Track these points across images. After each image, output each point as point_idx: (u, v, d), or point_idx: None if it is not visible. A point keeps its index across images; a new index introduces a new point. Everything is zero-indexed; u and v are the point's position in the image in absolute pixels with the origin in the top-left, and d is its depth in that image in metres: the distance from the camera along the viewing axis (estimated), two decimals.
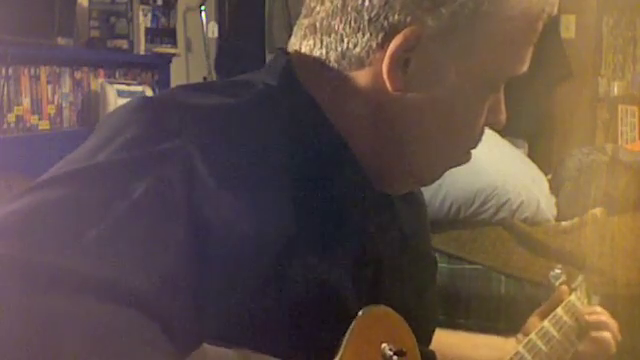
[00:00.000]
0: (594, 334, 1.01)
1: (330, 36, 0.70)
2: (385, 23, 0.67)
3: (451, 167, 0.78)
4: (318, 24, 0.71)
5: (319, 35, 0.71)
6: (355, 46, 0.69)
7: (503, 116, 0.77)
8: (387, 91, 0.69)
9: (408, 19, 0.67)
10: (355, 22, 0.68)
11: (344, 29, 0.69)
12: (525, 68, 0.74)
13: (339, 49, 0.70)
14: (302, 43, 0.73)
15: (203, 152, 0.60)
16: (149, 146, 0.59)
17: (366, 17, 0.68)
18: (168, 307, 0.52)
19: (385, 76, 0.68)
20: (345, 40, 0.69)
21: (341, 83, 0.71)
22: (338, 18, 0.69)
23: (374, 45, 0.68)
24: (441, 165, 0.77)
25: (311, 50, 0.72)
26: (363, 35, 0.68)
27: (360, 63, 0.69)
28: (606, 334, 1.01)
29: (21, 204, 0.54)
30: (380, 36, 0.68)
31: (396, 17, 0.67)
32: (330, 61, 0.71)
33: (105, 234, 0.52)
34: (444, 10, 0.67)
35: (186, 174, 0.58)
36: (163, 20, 4.10)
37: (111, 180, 0.56)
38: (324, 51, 0.71)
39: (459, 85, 0.70)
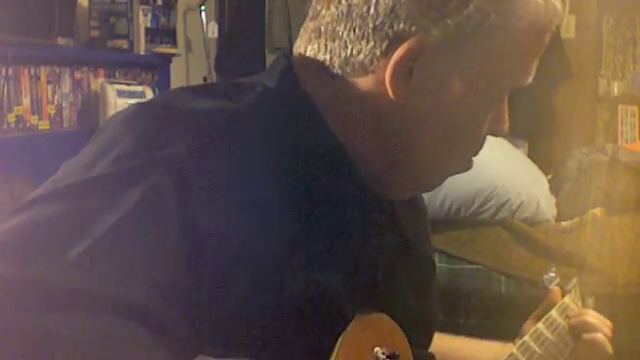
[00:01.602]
0: (585, 337, 1.01)
1: (334, 42, 0.70)
2: (390, 32, 0.67)
3: (452, 174, 0.78)
4: (323, 28, 0.71)
5: (323, 40, 0.71)
6: (359, 53, 0.69)
7: (506, 125, 0.77)
8: (389, 99, 0.69)
9: (413, 29, 0.66)
10: (360, 29, 0.68)
11: (348, 35, 0.69)
12: (530, 80, 0.73)
13: (343, 55, 0.70)
14: (307, 47, 0.73)
15: (196, 160, 0.60)
16: (142, 157, 0.59)
17: (371, 25, 0.67)
18: (164, 316, 0.52)
19: (388, 84, 0.68)
20: (349, 46, 0.69)
21: (343, 89, 0.71)
22: (343, 24, 0.69)
23: (378, 53, 0.68)
24: (442, 172, 0.77)
25: (315, 54, 0.72)
26: (367, 42, 0.68)
27: (363, 70, 0.69)
28: (598, 336, 1.00)
29: (16, 222, 0.54)
30: (384, 44, 0.67)
31: (401, 26, 0.67)
32: (334, 66, 0.70)
33: (96, 247, 0.52)
34: (450, 21, 0.66)
35: (178, 183, 0.58)
36: (163, 20, 4.10)
37: (104, 194, 0.57)
38: (328, 56, 0.71)
39: (463, 95, 0.70)
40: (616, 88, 4.26)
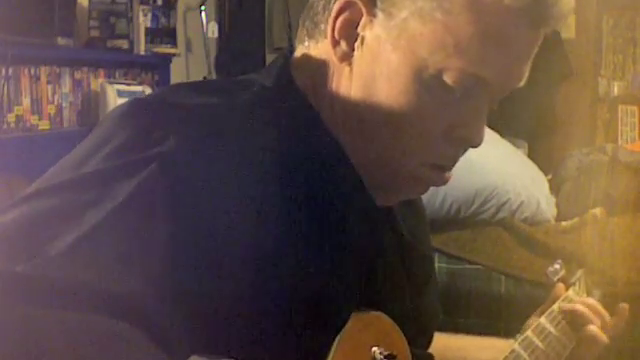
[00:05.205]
0: (581, 330, 0.98)
1: (310, 20, 0.73)
2: None
3: (425, 183, 0.74)
4: (304, 18, 0.75)
5: (306, 27, 0.74)
6: (320, 21, 0.72)
7: (477, 134, 0.70)
8: (340, 68, 0.71)
9: None
10: (324, 1, 0.72)
11: (316, 10, 0.73)
12: (491, 74, 0.66)
13: (312, 27, 0.73)
14: (303, 43, 0.75)
15: (189, 154, 0.60)
16: (134, 153, 0.59)
17: None
18: (155, 311, 0.51)
19: (329, 41, 0.71)
20: (316, 18, 0.73)
21: (313, 59, 0.73)
22: (315, 4, 0.73)
23: (329, 18, 0.71)
24: (404, 173, 0.72)
25: (307, 48, 0.74)
26: (324, 10, 0.72)
27: (322, 35, 0.72)
28: (590, 328, 0.97)
29: (6, 217, 0.55)
30: (333, 8, 0.70)
31: None
32: (308, 42, 0.74)
33: (83, 240, 0.52)
34: None
35: (170, 177, 0.58)
36: (163, 20, 4.10)
37: (95, 188, 0.57)
38: (307, 33, 0.74)
39: (396, 65, 0.68)
40: (616, 88, 4.26)
